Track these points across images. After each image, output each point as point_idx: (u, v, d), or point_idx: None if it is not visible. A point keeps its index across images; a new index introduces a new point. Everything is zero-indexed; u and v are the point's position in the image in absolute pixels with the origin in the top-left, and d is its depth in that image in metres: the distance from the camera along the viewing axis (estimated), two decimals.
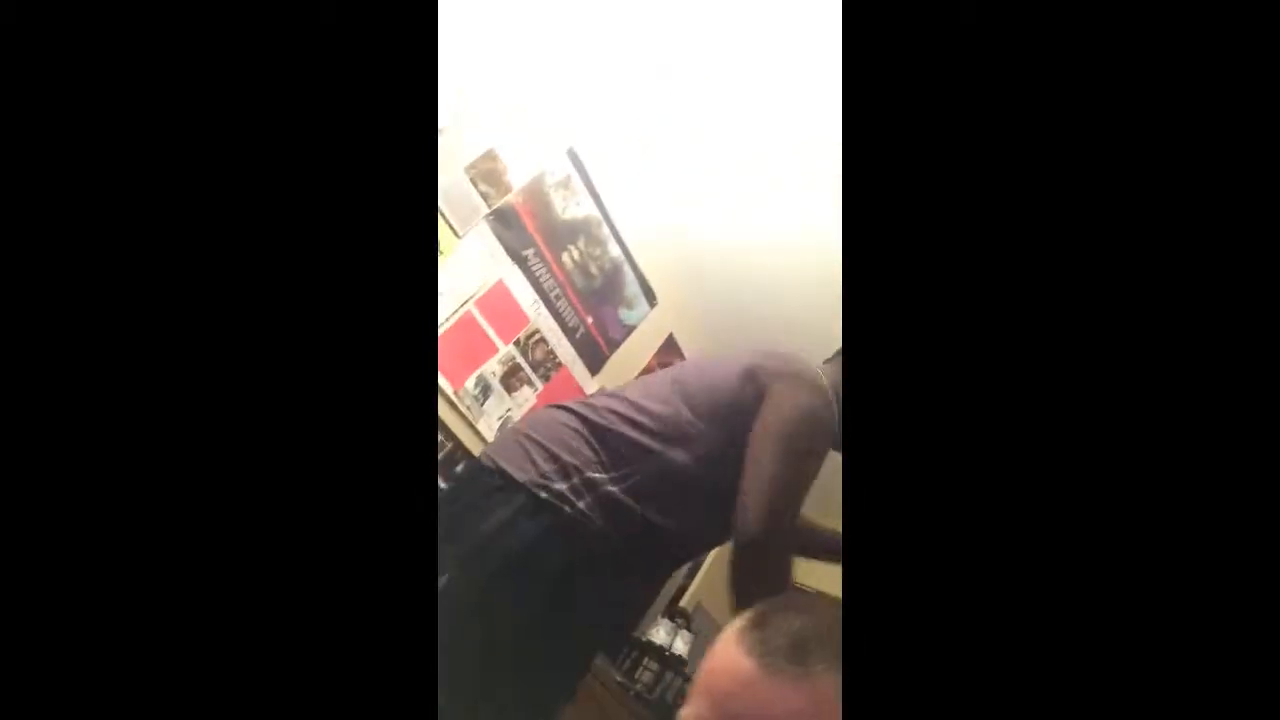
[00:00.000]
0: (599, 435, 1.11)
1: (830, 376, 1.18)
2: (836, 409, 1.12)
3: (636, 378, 1.34)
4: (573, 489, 1.07)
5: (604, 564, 1.09)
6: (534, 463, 1.09)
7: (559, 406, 1.21)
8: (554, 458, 1.10)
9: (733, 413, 1.08)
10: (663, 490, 1.07)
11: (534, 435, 1.14)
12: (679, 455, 1.08)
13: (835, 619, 0.54)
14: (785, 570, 1.09)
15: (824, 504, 1.26)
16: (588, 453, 1.11)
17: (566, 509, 1.06)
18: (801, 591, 0.57)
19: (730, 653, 0.51)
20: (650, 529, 1.08)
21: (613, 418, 1.13)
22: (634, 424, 1.12)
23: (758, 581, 1.06)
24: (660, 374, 1.21)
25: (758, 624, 0.53)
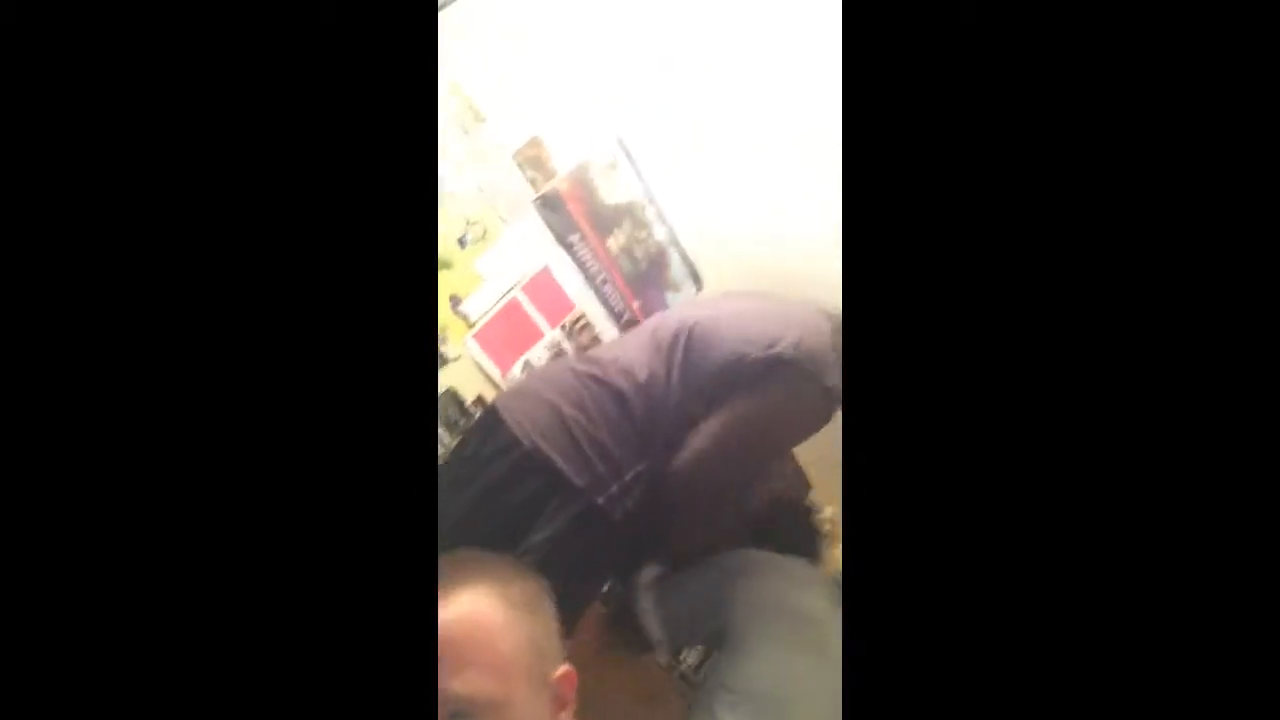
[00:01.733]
0: (631, 413, 1.09)
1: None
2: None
3: (642, 334, 1.30)
4: (622, 488, 1.06)
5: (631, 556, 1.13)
6: (586, 459, 1.05)
7: (587, 375, 1.15)
8: (604, 452, 1.06)
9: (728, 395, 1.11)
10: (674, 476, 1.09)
11: (574, 415, 1.08)
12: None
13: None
14: (700, 522, 1.13)
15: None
16: (631, 438, 1.08)
17: (616, 515, 1.06)
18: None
19: None
20: (672, 512, 1.11)
21: (634, 389, 1.11)
22: (650, 395, 1.11)
23: (677, 525, 1.09)
24: (671, 336, 1.18)
25: None
